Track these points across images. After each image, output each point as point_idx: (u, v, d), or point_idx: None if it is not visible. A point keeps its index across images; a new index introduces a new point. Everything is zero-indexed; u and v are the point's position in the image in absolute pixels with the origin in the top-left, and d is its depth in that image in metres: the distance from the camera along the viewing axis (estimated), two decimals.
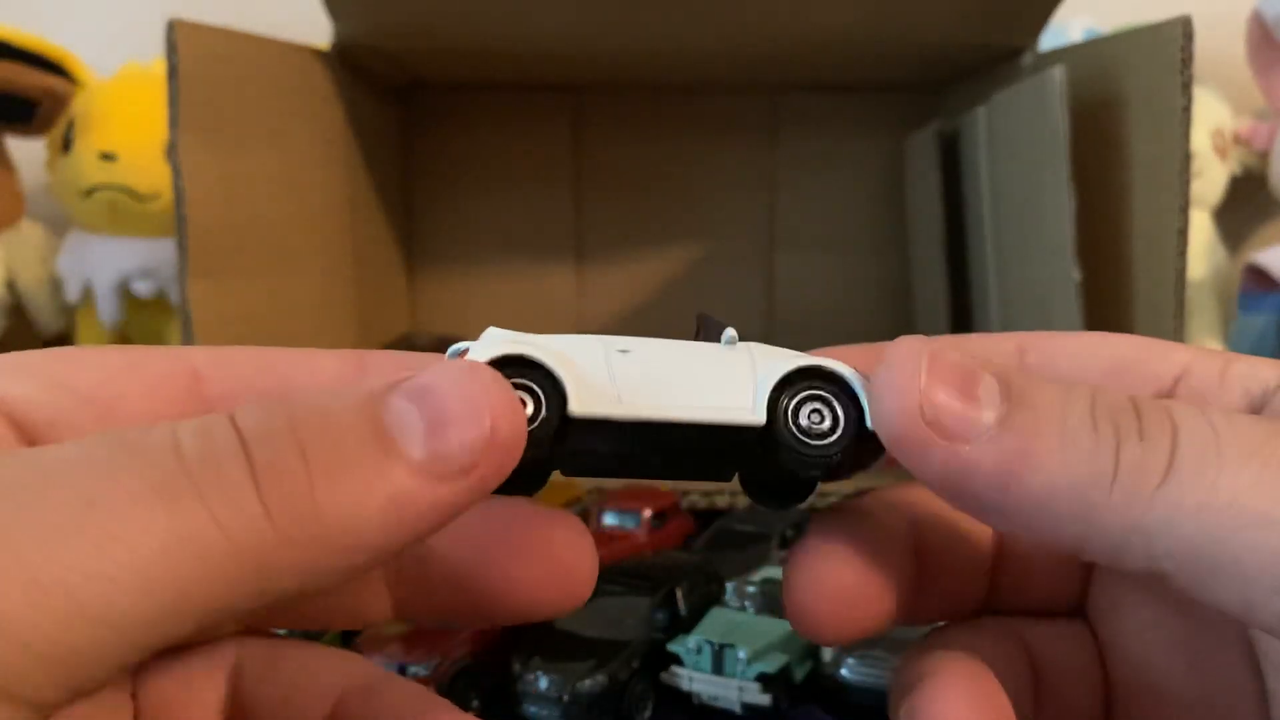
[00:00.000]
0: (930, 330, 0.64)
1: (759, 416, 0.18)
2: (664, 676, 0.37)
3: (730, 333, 0.20)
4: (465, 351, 0.18)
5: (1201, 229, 0.75)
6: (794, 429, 0.19)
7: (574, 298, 0.72)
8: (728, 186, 0.72)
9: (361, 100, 0.60)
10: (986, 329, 0.55)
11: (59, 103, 0.70)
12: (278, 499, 0.14)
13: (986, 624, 0.23)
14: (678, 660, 0.37)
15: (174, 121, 0.43)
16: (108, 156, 0.67)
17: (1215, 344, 0.73)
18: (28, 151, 0.75)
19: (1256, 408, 0.20)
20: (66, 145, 0.69)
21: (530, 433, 0.17)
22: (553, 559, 0.20)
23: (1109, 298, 0.45)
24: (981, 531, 0.22)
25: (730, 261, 0.72)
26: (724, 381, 0.19)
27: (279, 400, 0.16)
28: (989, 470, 0.17)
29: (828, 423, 0.19)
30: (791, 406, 0.19)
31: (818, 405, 0.19)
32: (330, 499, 0.15)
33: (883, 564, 0.21)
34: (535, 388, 0.18)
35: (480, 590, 0.20)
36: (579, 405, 0.18)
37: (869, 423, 0.19)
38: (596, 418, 0.18)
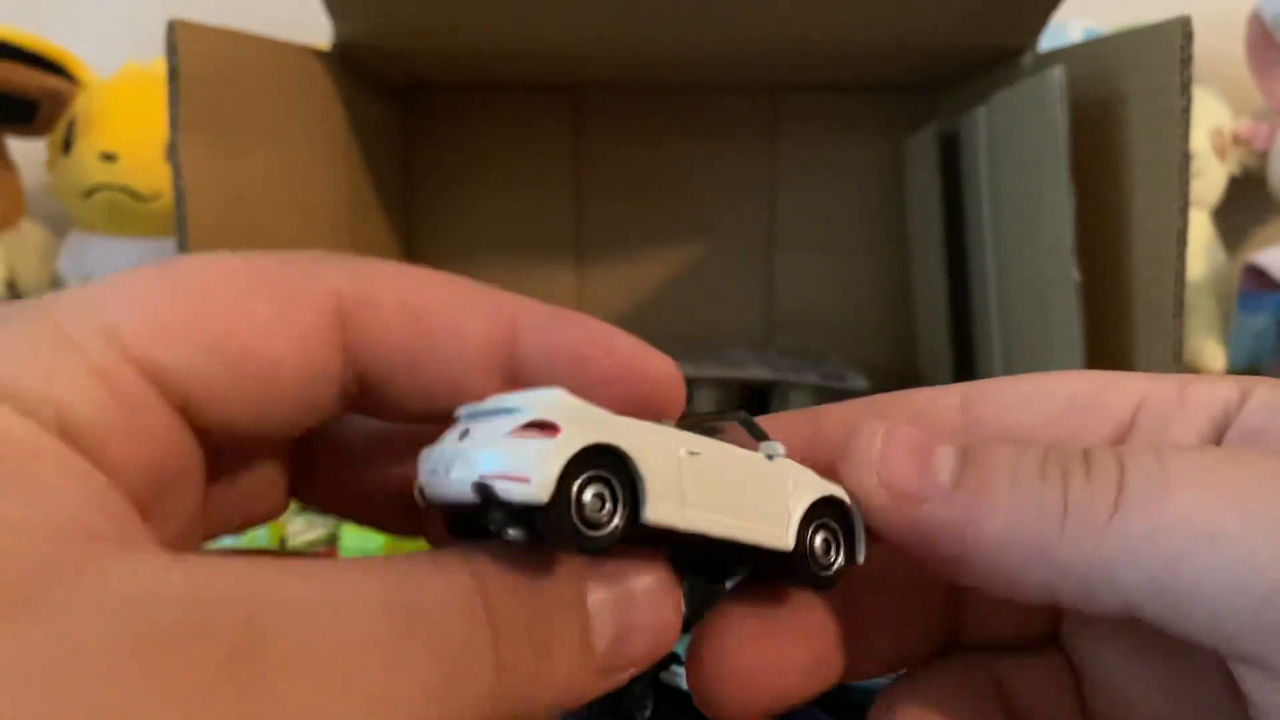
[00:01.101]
0: (930, 331, 0.64)
1: (789, 543, 0.20)
2: (664, 676, 0.37)
3: (771, 445, 0.20)
4: (519, 416, 0.17)
5: (1201, 229, 0.75)
6: (811, 556, 0.20)
7: (574, 298, 0.72)
8: (728, 186, 0.72)
9: (361, 100, 0.60)
10: (986, 329, 0.55)
11: (59, 103, 0.70)
12: (505, 689, 0.16)
13: (952, 664, 0.22)
14: (678, 660, 0.37)
15: (174, 122, 0.43)
16: (108, 157, 0.67)
17: (1214, 345, 0.73)
18: (28, 152, 0.75)
19: (1220, 427, 0.19)
20: (67, 146, 0.69)
21: (603, 537, 0.17)
22: None
23: (1109, 298, 0.45)
24: (927, 578, 0.22)
25: (730, 261, 0.72)
26: (767, 502, 0.20)
27: (522, 579, 0.16)
28: (945, 524, 0.18)
29: (833, 553, 0.20)
30: (810, 535, 0.20)
31: (827, 535, 0.20)
32: (536, 690, 0.16)
33: (793, 633, 0.20)
34: (614, 485, 0.17)
35: None
36: (653, 514, 0.17)
37: (859, 557, 0.20)
38: (663, 526, 0.17)
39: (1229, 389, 0.20)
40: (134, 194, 0.67)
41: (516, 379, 0.19)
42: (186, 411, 0.17)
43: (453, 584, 0.15)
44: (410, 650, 0.14)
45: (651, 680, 0.37)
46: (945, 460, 0.19)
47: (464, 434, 0.17)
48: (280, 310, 0.17)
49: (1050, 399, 0.21)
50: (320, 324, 0.18)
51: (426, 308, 0.18)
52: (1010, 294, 0.52)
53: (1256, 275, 0.69)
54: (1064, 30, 0.73)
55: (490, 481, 0.16)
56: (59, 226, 0.75)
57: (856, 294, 0.72)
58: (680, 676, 0.37)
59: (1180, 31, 0.40)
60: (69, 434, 0.15)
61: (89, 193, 0.68)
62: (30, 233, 0.75)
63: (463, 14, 0.54)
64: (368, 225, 0.63)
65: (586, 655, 0.17)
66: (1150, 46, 0.43)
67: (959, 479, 0.18)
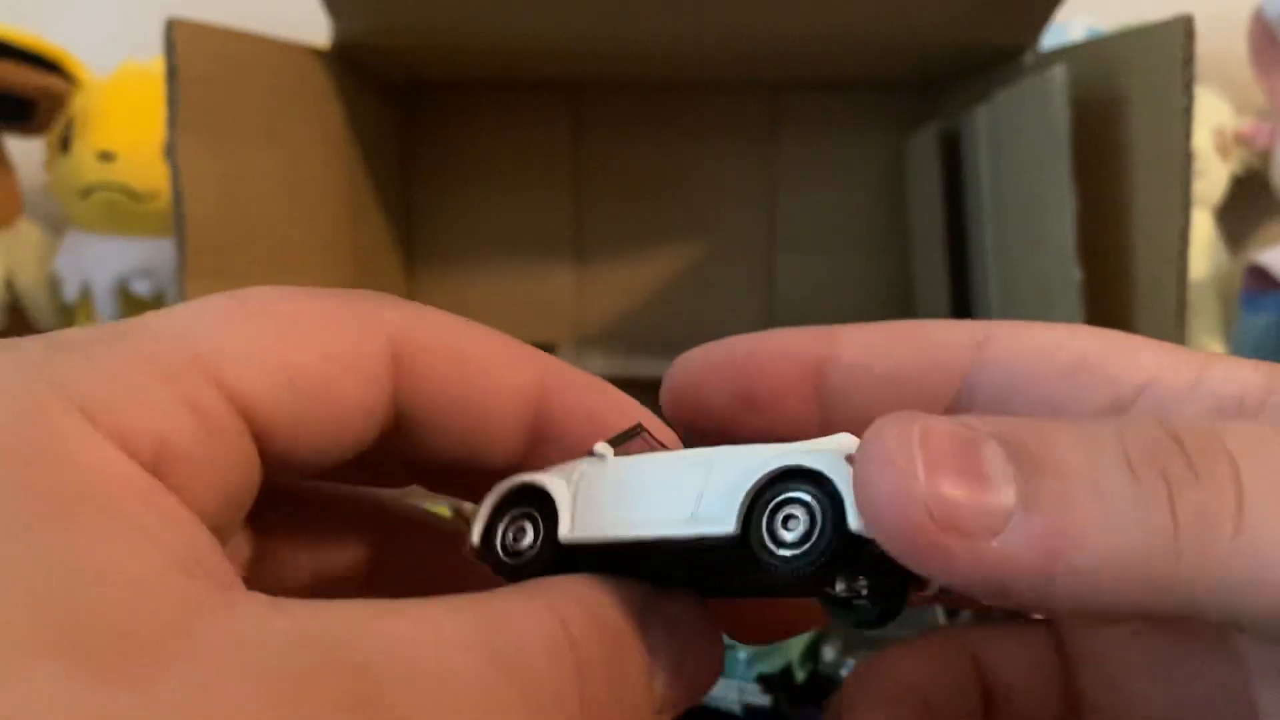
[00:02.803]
0: None
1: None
2: None
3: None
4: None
5: (1203, 229, 0.75)
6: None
7: (573, 298, 0.72)
8: (728, 186, 0.72)
9: (361, 100, 0.60)
10: None
11: (57, 102, 0.70)
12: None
13: (933, 641, 0.21)
14: None
15: (173, 121, 0.43)
16: (106, 156, 0.67)
17: (1217, 344, 0.73)
18: (26, 151, 0.75)
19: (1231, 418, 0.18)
20: (65, 145, 0.69)
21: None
22: None
23: (1111, 297, 0.45)
24: None
25: (730, 262, 0.72)
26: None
27: (598, 617, 0.16)
28: (1026, 563, 0.14)
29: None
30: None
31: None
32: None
33: None
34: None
35: None
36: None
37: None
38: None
39: (1250, 374, 0.17)
40: (132, 193, 0.67)
41: (539, 432, 0.20)
42: (259, 440, 0.17)
43: (542, 624, 0.16)
44: (509, 694, 0.15)
45: None
46: (999, 466, 0.14)
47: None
48: (352, 346, 0.18)
49: (1057, 357, 0.19)
50: (381, 363, 0.18)
51: (471, 357, 0.19)
52: (1012, 293, 0.52)
53: (1259, 275, 0.68)
54: (1066, 29, 0.73)
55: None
56: (57, 226, 0.75)
57: (857, 294, 0.72)
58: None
59: (1182, 30, 0.40)
60: (163, 468, 0.15)
61: (86, 192, 0.67)
62: (28, 232, 0.75)
63: (462, 13, 0.53)
64: (367, 224, 0.63)
65: (648, 695, 0.17)
66: (1152, 45, 0.43)
67: (1027, 495, 0.14)
